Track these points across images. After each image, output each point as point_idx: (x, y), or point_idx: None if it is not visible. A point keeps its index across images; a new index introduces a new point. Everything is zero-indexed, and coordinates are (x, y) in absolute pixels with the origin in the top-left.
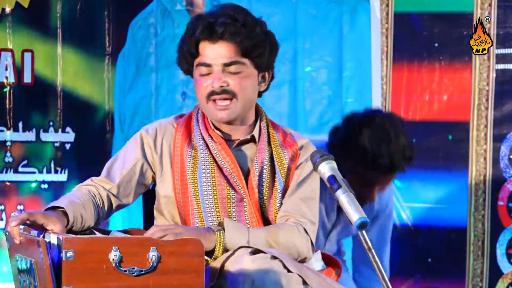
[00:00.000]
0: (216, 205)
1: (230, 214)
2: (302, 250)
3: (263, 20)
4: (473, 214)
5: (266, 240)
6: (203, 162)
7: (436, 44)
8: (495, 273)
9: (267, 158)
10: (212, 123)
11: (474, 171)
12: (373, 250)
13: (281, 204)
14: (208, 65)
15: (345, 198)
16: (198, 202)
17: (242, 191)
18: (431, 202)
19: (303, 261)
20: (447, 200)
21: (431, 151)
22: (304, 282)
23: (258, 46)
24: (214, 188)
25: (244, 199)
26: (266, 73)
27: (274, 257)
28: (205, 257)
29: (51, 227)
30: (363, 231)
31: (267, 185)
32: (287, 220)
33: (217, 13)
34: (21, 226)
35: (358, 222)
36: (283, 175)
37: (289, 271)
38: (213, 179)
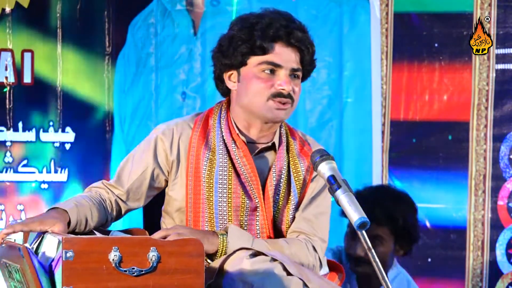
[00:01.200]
0: (229, 214)
1: (241, 223)
2: (307, 266)
3: None
4: (473, 214)
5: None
6: (221, 167)
7: (436, 44)
8: (495, 273)
9: (285, 168)
10: (237, 127)
11: (474, 171)
12: (372, 250)
13: (294, 216)
14: (277, 66)
15: (345, 198)
16: (211, 208)
17: (257, 200)
18: (431, 202)
19: None
20: (447, 200)
21: (431, 151)
22: (305, 285)
23: (313, 62)
24: (230, 196)
25: (258, 208)
26: None
27: (274, 260)
28: (208, 260)
29: (50, 229)
30: (363, 231)
31: (283, 195)
32: (297, 236)
33: (285, 17)
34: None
35: (358, 222)
36: (298, 187)
37: (289, 274)
38: (229, 186)
